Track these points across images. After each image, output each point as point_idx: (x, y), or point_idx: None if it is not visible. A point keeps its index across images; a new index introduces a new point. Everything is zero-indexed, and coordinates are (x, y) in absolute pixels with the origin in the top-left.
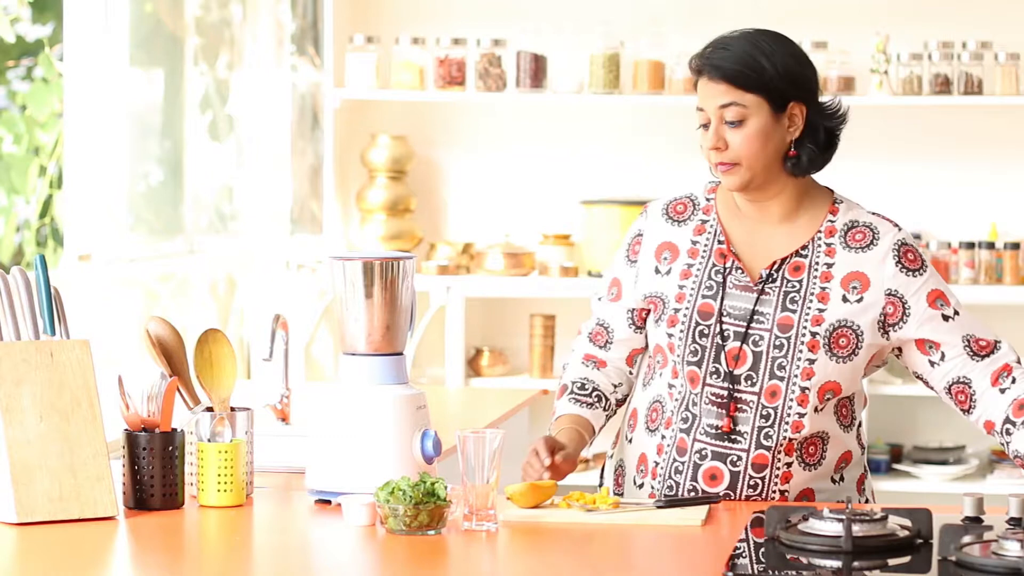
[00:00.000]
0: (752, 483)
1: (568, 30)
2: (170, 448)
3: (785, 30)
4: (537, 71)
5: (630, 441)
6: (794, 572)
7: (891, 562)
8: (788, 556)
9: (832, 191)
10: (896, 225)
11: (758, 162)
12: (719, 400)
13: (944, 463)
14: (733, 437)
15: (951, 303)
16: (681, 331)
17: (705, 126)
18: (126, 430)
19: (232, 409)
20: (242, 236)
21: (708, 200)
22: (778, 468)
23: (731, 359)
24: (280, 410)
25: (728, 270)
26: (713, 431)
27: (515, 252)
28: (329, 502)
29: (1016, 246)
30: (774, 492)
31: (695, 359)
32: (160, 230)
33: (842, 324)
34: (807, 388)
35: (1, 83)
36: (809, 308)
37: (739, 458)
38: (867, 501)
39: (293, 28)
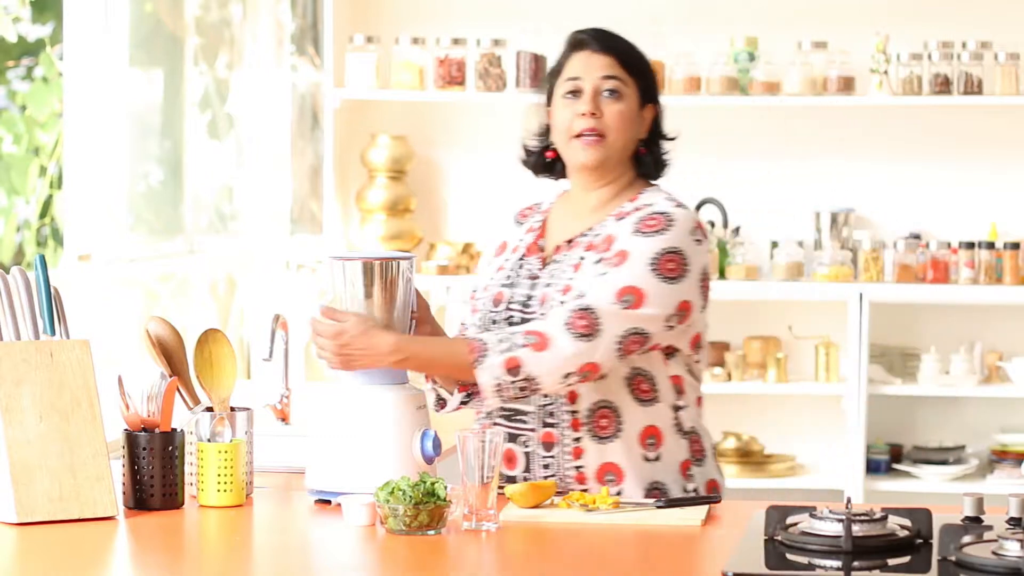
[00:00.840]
0: (544, 463)
1: (568, 30)
2: (170, 448)
3: (785, 30)
4: (537, 71)
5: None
6: (794, 572)
7: (891, 562)
8: (788, 556)
9: (657, 187)
10: (679, 204)
11: (620, 141)
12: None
13: (944, 463)
14: (520, 418)
15: (620, 265)
16: (479, 319)
17: (574, 93)
18: (126, 430)
19: (232, 409)
20: (242, 236)
21: (549, 204)
22: (567, 445)
23: None
24: (280, 410)
25: (526, 260)
26: (502, 412)
27: None
28: (329, 502)
29: (1016, 246)
30: (569, 469)
31: None
32: (160, 230)
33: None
34: None
35: (1, 82)
36: (561, 281)
37: (528, 438)
38: (695, 491)
39: (293, 28)
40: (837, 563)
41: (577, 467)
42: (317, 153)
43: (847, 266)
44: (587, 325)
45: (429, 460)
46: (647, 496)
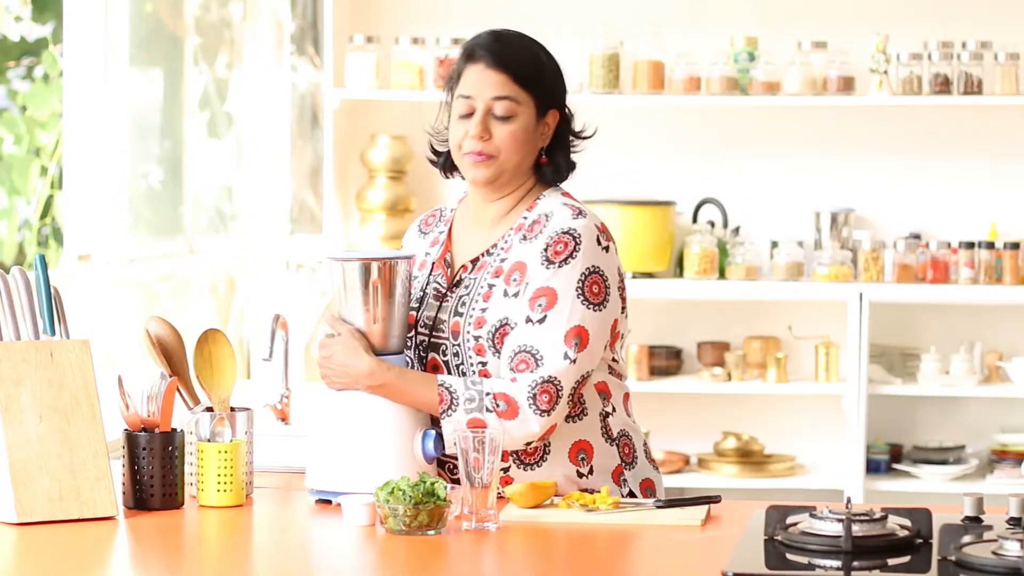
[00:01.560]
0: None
1: (568, 30)
2: (170, 448)
3: (785, 30)
4: None
5: None
6: (794, 572)
7: (891, 562)
8: (788, 556)
9: (556, 188)
10: (579, 212)
11: (513, 160)
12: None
13: (944, 463)
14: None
15: (548, 309)
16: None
17: (466, 115)
18: (126, 430)
19: (232, 409)
20: (242, 236)
21: (452, 211)
22: (503, 470)
23: (431, 369)
24: (280, 410)
25: (433, 278)
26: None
27: None
28: (329, 502)
29: (1016, 246)
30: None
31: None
32: (160, 230)
33: (503, 323)
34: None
35: (1, 82)
36: (473, 310)
37: (455, 468)
38: (631, 494)
39: (293, 28)
40: (837, 563)
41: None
42: (317, 153)
43: (847, 266)
44: (550, 400)
45: (430, 460)
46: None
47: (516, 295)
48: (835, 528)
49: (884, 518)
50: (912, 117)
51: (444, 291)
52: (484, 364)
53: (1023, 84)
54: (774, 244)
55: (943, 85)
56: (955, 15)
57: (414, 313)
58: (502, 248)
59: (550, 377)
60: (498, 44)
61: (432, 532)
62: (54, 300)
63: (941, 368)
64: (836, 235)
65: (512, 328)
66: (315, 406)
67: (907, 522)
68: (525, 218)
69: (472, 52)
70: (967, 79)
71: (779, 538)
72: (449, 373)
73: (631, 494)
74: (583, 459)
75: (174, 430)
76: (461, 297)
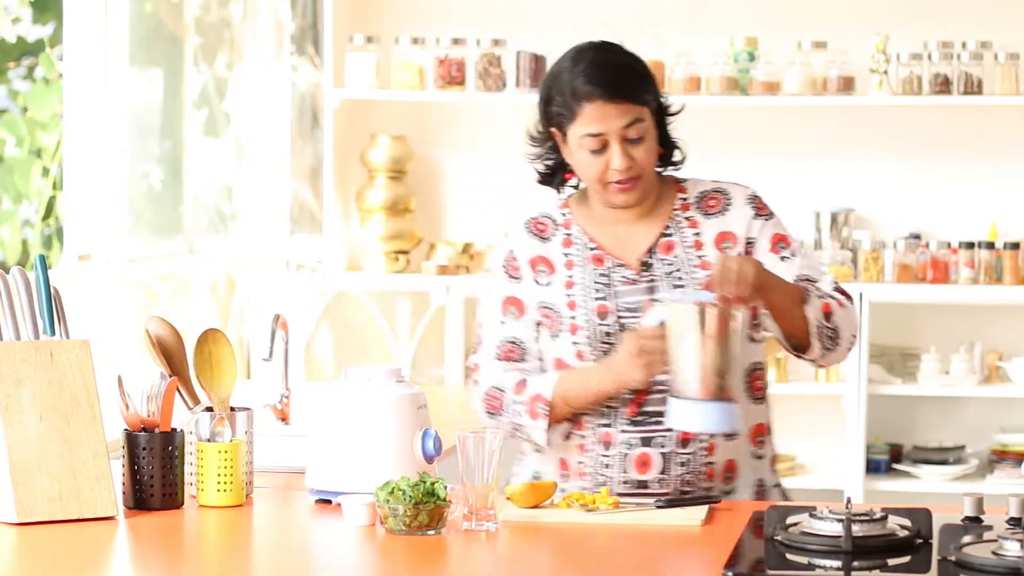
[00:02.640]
0: (681, 460)
1: (568, 30)
2: (170, 448)
3: (785, 30)
4: (537, 71)
5: (539, 451)
6: (794, 572)
7: (891, 562)
8: (788, 556)
9: (674, 176)
10: (741, 185)
11: (651, 170)
12: (634, 388)
13: (944, 463)
14: (657, 419)
15: (790, 246)
16: (587, 336)
17: (597, 152)
18: (126, 430)
19: (232, 409)
20: (242, 236)
21: (565, 215)
22: (702, 440)
23: None
24: (280, 410)
25: (610, 270)
26: (630, 419)
27: None
28: (329, 502)
29: (1016, 246)
30: (702, 466)
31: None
32: (160, 230)
33: None
34: None
35: (2, 82)
36: (696, 280)
37: (666, 438)
38: (777, 486)
39: (293, 28)
40: (837, 563)
41: (708, 463)
42: (317, 153)
43: (847, 266)
44: (848, 295)
45: (430, 459)
46: (755, 496)
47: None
48: (835, 528)
49: (884, 518)
50: (912, 117)
51: (634, 278)
52: None
53: (1023, 84)
54: None
55: (943, 85)
56: (955, 15)
57: (604, 303)
58: (683, 228)
59: (833, 280)
60: (602, 73)
61: (432, 532)
62: (54, 300)
63: (941, 368)
64: (836, 235)
65: None
66: (315, 406)
67: (907, 522)
68: (684, 198)
69: (581, 93)
70: (967, 79)
71: (779, 538)
72: None
73: (777, 485)
74: (761, 442)
75: (174, 430)
76: (672, 274)
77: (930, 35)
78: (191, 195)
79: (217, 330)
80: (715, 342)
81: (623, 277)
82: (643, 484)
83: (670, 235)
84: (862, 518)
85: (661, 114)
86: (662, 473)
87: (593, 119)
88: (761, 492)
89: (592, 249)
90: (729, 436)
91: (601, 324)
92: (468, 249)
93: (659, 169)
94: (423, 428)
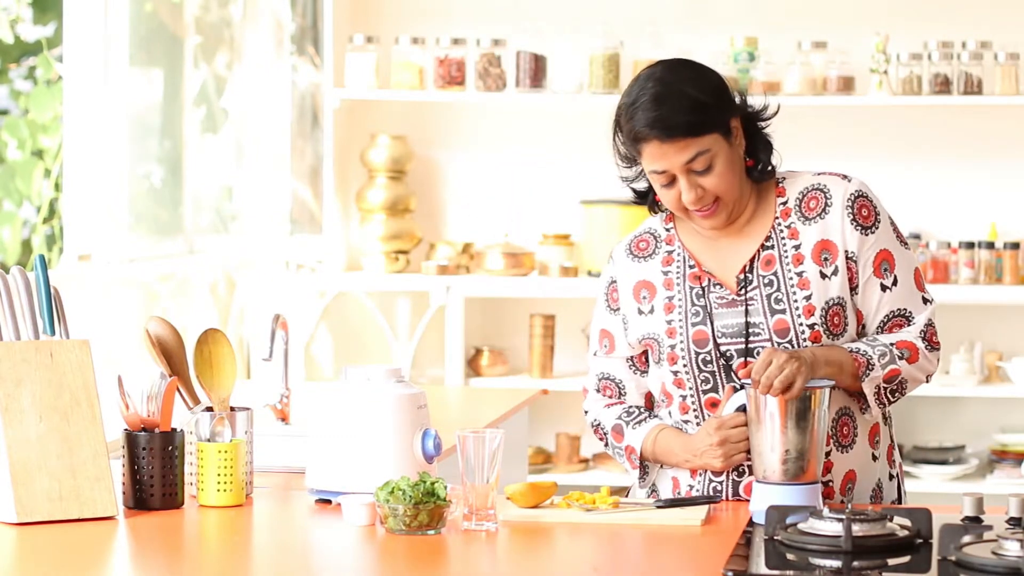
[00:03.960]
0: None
1: (568, 30)
2: (170, 448)
3: (785, 30)
4: (537, 71)
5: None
6: (794, 572)
7: (891, 562)
8: (788, 556)
9: (774, 177)
10: (845, 177)
11: (733, 192)
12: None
13: (944, 463)
14: None
15: (895, 269)
16: (684, 365)
17: (667, 185)
18: (126, 430)
19: (232, 409)
20: (242, 236)
21: (668, 230)
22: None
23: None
24: (280, 410)
25: (706, 290)
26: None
27: (515, 252)
28: (329, 502)
29: (1016, 246)
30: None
31: (708, 387)
32: (160, 230)
33: (830, 304)
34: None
35: (3, 82)
36: (796, 302)
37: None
38: (893, 477)
39: (293, 28)
40: (837, 563)
41: (826, 482)
42: (317, 153)
43: None
44: (936, 338)
45: (430, 459)
46: (872, 499)
47: (835, 272)
48: (835, 528)
49: (884, 518)
50: (912, 117)
51: (732, 298)
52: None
53: (1023, 84)
54: None
55: (943, 85)
56: (955, 15)
57: (702, 329)
58: (783, 238)
59: (928, 321)
60: (656, 112)
61: (432, 532)
62: (54, 300)
63: (941, 368)
64: None
65: (840, 306)
66: (315, 406)
67: (907, 522)
68: (784, 203)
69: (638, 136)
70: (967, 79)
71: (779, 538)
72: None
73: (895, 475)
74: (877, 442)
75: (174, 430)
76: (772, 295)
77: (930, 35)
78: (191, 195)
79: (217, 330)
80: (795, 425)
81: (719, 297)
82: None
83: (771, 247)
84: (862, 518)
85: (749, 122)
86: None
87: (654, 157)
88: (877, 494)
89: (691, 267)
90: (844, 449)
91: (699, 352)
92: (468, 249)
93: (754, 174)
94: (423, 428)
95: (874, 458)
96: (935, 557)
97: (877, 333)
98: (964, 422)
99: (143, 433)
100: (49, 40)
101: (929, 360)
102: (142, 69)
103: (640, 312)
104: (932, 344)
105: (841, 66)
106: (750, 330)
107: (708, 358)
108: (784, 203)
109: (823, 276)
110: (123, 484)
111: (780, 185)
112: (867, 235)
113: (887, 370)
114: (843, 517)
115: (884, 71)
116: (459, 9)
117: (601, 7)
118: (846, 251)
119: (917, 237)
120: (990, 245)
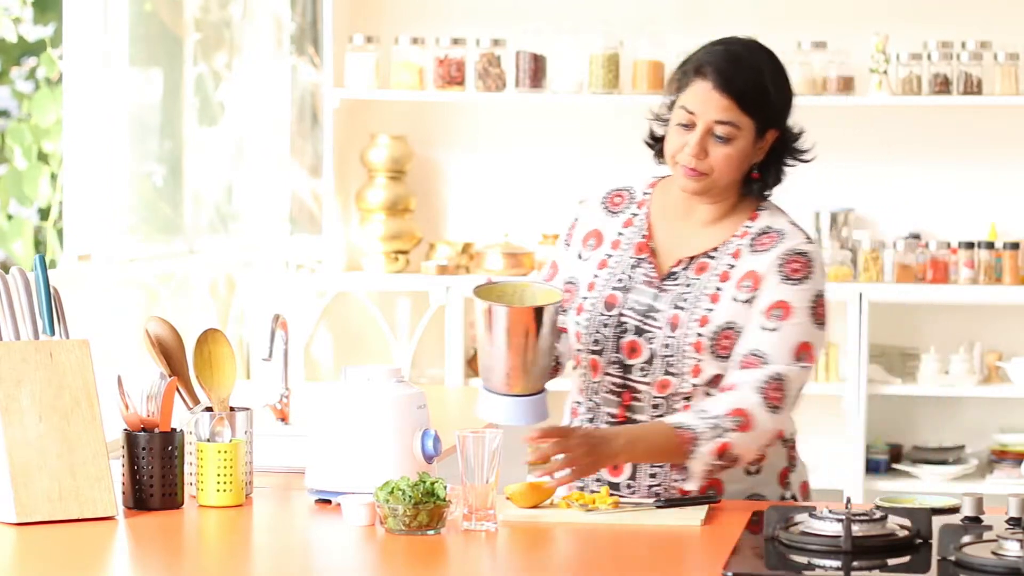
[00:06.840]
0: (651, 471)
1: (568, 30)
2: (169, 448)
3: (785, 30)
4: (537, 71)
5: None
6: (794, 572)
7: (890, 562)
8: (788, 556)
9: (763, 198)
10: (809, 239)
11: (725, 179)
12: (616, 389)
13: (943, 463)
14: (636, 421)
15: (784, 320)
16: (587, 320)
17: (686, 126)
18: (126, 430)
19: (232, 409)
20: (242, 236)
21: (645, 195)
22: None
23: (627, 350)
24: (280, 410)
25: (641, 263)
26: (612, 420)
27: (515, 252)
28: (329, 502)
29: (1015, 246)
30: (674, 481)
31: (596, 348)
32: (160, 230)
33: (727, 326)
34: (696, 384)
35: (3, 83)
36: (698, 308)
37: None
38: (793, 498)
39: (292, 28)
40: (837, 563)
41: (679, 479)
42: (317, 153)
43: (847, 266)
44: (780, 397)
45: (429, 459)
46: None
47: (747, 301)
48: (835, 528)
49: (884, 518)
50: (912, 117)
51: (657, 281)
52: (698, 361)
53: (1023, 84)
54: None
55: (943, 85)
56: (955, 15)
57: (617, 295)
58: (727, 254)
59: (777, 375)
60: (729, 65)
61: (432, 532)
62: (54, 300)
63: (941, 368)
64: (836, 235)
65: (737, 332)
66: (315, 406)
67: (907, 522)
68: (748, 227)
69: (701, 68)
70: (967, 79)
71: (779, 538)
72: (651, 361)
73: (793, 497)
74: (757, 457)
75: (174, 430)
76: (682, 292)
77: (930, 35)
78: (191, 195)
79: (217, 330)
80: (519, 342)
81: (646, 274)
82: (615, 486)
83: (713, 257)
84: (862, 518)
85: (782, 146)
86: (631, 479)
87: (693, 97)
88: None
89: (643, 237)
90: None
91: (604, 313)
92: (468, 249)
93: (750, 188)
94: (423, 428)
95: (748, 472)
96: (935, 557)
97: (735, 366)
98: (964, 422)
99: (143, 433)
100: (50, 40)
101: (765, 427)
102: (142, 69)
103: (580, 256)
104: (772, 402)
105: (841, 66)
106: (651, 312)
107: (608, 323)
108: (748, 228)
109: (734, 300)
110: (123, 484)
111: (757, 211)
112: (783, 284)
113: (717, 444)
114: (843, 517)
115: (884, 71)
116: (459, 9)
117: (601, 7)
118: (763, 283)
119: (917, 237)
120: (990, 245)
